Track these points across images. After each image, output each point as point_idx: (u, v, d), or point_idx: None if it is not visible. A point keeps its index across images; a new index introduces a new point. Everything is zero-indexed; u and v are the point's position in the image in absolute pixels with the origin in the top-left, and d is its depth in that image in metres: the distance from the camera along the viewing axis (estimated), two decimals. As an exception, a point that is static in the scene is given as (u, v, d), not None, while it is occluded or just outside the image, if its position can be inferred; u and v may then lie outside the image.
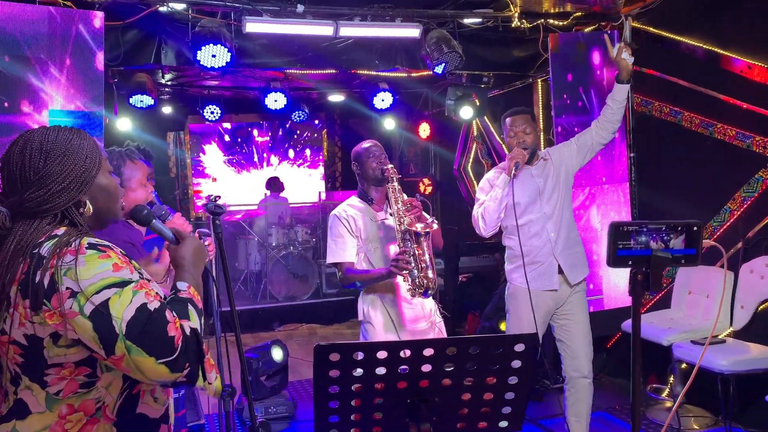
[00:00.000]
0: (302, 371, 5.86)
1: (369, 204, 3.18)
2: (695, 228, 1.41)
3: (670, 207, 4.63)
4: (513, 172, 3.33)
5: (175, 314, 1.38)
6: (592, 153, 3.64)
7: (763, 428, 3.73)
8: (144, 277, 1.44)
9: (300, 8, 4.17)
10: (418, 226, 2.89)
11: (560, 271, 3.49)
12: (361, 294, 3.21)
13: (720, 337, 4.07)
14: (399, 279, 2.99)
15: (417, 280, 2.87)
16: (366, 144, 3.24)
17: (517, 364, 1.68)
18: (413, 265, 2.85)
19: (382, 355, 1.61)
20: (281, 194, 8.91)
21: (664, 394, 4.62)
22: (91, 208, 1.51)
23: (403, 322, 3.09)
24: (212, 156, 9.89)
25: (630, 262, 1.39)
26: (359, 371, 1.64)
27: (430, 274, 2.88)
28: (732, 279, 4.14)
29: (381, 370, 1.63)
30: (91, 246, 1.39)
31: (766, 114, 3.93)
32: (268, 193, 8.87)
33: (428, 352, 1.62)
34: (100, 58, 3.80)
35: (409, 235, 2.90)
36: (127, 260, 1.43)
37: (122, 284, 1.35)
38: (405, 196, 3.04)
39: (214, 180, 9.88)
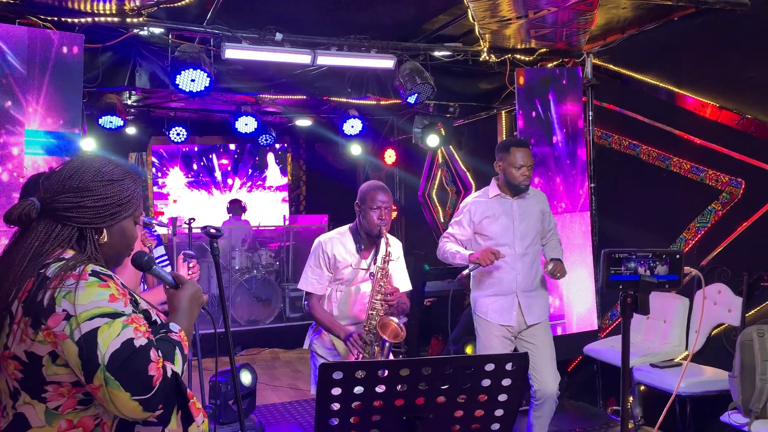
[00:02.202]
0: (266, 396, 5.83)
1: (357, 248, 3.13)
2: (677, 256, 1.56)
3: (629, 236, 4.85)
4: (470, 270, 3.55)
5: (160, 354, 1.41)
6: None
7: (718, 447, 3.92)
8: (139, 311, 1.49)
9: (278, 36, 4.27)
10: (389, 328, 2.95)
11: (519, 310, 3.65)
12: (312, 324, 3.30)
13: (676, 360, 4.27)
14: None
15: None
16: (375, 188, 3.10)
17: (507, 381, 1.79)
18: (367, 354, 2.95)
19: (382, 373, 1.69)
20: (243, 217, 8.89)
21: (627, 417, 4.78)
22: (106, 238, 1.55)
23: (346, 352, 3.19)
24: (174, 177, 9.82)
25: (621, 287, 1.52)
26: (360, 389, 1.71)
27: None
28: (687, 305, 4.37)
29: (380, 388, 1.71)
30: (94, 273, 1.44)
31: (718, 149, 4.20)
32: (229, 216, 8.85)
33: (426, 370, 1.71)
34: (78, 80, 3.82)
35: (374, 334, 2.97)
36: (125, 292, 1.47)
37: (114, 315, 1.39)
38: (389, 284, 3.06)
39: (175, 201, 9.80)
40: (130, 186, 1.59)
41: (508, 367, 1.77)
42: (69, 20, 3.82)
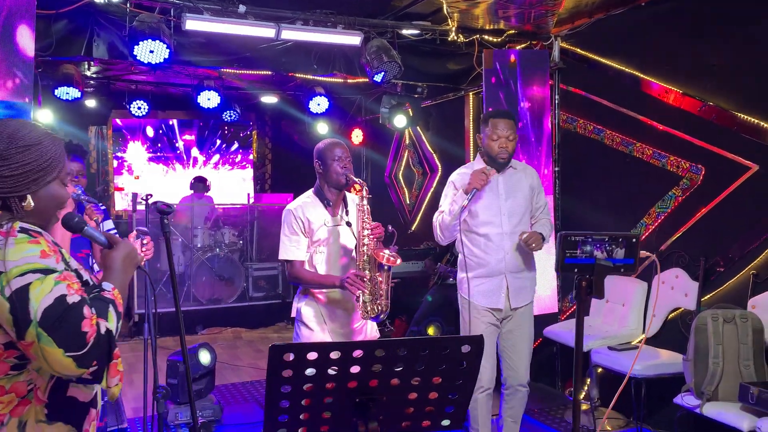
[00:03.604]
0: (227, 376, 5.79)
1: (325, 205, 3.14)
2: (633, 240, 1.55)
3: (591, 219, 4.89)
4: (469, 198, 3.25)
5: (94, 311, 1.41)
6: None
7: (670, 428, 4.00)
8: (71, 269, 1.47)
9: (242, 8, 4.15)
10: (384, 255, 2.94)
11: (507, 292, 3.45)
12: (298, 291, 3.24)
13: (633, 343, 4.33)
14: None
15: (371, 305, 2.96)
16: (331, 144, 3.13)
17: (462, 364, 1.77)
18: (369, 290, 2.93)
19: (335, 355, 1.65)
20: (206, 194, 8.75)
21: (580, 397, 4.86)
22: (32, 204, 1.51)
23: (334, 323, 3.15)
24: (135, 152, 9.59)
25: (576, 270, 1.50)
26: (311, 371, 1.67)
27: (385, 302, 2.98)
28: (646, 289, 4.43)
29: (333, 370, 1.68)
30: (23, 230, 1.42)
31: (680, 135, 4.23)
32: (191, 193, 8.68)
33: (380, 352, 1.67)
34: (30, 48, 3.64)
35: (372, 261, 2.97)
36: (56, 249, 1.45)
37: (46, 272, 1.38)
38: (371, 220, 3.05)
39: (137, 177, 9.58)
40: (50, 148, 1.53)
41: (464, 349, 1.75)
42: (20, -16, 3.65)
